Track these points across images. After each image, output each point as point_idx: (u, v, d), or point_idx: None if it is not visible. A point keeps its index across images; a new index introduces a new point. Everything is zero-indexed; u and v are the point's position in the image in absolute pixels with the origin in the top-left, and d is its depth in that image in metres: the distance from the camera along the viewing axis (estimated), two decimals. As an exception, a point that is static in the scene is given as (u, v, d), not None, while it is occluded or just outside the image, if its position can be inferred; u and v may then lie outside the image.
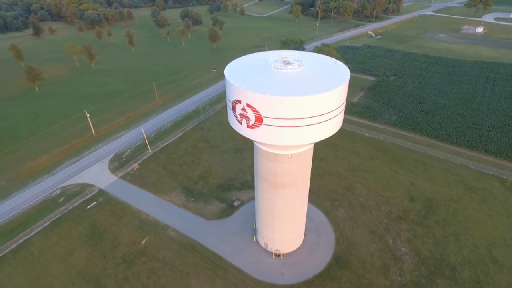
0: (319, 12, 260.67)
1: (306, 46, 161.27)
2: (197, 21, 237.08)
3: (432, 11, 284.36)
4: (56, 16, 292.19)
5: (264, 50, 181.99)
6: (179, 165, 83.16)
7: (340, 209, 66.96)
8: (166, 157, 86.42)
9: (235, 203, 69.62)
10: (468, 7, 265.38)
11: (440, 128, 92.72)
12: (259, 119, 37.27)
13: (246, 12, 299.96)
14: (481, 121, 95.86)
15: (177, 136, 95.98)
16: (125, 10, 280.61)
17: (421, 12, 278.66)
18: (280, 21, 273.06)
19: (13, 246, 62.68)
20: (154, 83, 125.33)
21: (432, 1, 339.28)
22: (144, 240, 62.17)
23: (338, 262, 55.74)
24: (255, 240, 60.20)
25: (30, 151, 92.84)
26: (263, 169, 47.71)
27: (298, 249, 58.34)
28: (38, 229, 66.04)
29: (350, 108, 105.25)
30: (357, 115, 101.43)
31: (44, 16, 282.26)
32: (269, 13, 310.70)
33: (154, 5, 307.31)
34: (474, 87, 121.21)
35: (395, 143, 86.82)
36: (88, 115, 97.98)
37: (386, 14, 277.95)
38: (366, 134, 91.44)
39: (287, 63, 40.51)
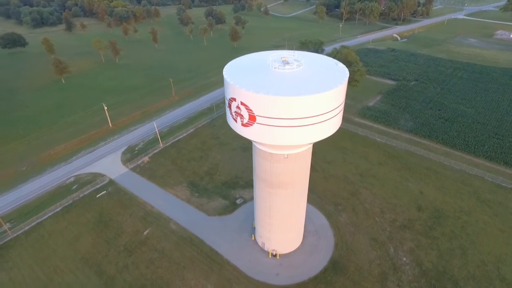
0: (344, 13, 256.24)
1: (326, 48, 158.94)
2: (220, 20, 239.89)
3: (464, 15, 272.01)
4: (89, 12, 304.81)
5: (284, 50, 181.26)
6: (188, 160, 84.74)
7: (343, 214, 65.81)
8: (176, 151, 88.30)
9: (238, 201, 70.10)
10: (504, 11, 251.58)
11: (458, 137, 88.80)
12: (252, 118, 37.47)
13: (270, 12, 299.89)
14: (504, 132, 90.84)
15: (188, 132, 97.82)
16: (153, 8, 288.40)
17: (452, 16, 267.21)
18: (304, 22, 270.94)
19: (27, 228, 66.40)
20: (171, 79, 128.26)
21: (466, 4, 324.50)
22: (146, 231, 63.98)
23: (334, 267, 54.87)
24: (253, 238, 60.39)
25: (51, 140, 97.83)
26: (259, 168, 47.88)
27: (295, 250, 57.96)
28: (50, 214, 69.58)
29: (365, 112, 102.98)
30: (371, 120, 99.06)
31: (77, 12, 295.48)
32: (293, 14, 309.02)
33: (180, 4, 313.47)
34: (501, 95, 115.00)
35: (408, 150, 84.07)
36: (106, 108, 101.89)
37: (415, 17, 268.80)
38: (378, 139, 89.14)
39: (285, 63, 40.44)
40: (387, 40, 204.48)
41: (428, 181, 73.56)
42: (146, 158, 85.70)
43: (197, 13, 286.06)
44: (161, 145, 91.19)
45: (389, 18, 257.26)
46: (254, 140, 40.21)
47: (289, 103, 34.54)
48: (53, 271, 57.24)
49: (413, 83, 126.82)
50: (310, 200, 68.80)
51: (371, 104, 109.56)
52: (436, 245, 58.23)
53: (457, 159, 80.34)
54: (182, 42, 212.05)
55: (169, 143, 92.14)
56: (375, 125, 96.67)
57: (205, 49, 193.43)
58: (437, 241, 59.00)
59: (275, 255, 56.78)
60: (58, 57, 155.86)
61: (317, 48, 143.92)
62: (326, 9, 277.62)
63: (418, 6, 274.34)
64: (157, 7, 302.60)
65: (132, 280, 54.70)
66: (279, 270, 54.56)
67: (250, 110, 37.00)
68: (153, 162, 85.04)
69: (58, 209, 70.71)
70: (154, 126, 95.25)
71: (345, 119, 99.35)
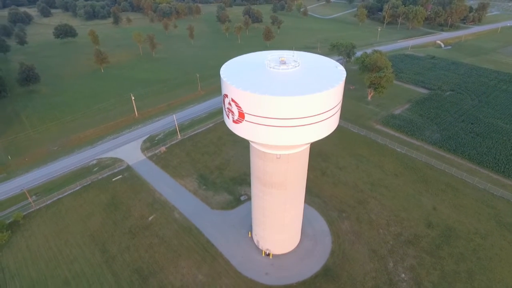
0: (386, 17, 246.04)
1: (359, 52, 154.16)
2: (257, 19, 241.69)
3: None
4: (136, 7, 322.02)
5: (316, 51, 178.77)
6: (202, 153, 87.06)
7: (345, 221, 64.02)
8: (192, 144, 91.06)
9: (242, 198, 70.88)
10: None
11: (488, 154, 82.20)
12: (241, 115, 37.99)
13: (309, 13, 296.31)
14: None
15: (207, 127, 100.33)
16: (194, 5, 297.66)
17: (508, 23, 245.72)
18: (342, 24, 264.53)
19: (48, 202, 72.50)
20: (198, 74, 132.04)
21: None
22: (151, 217, 66.97)
23: (326, 273, 53.72)
24: (250, 236, 60.86)
25: (82, 124, 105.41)
26: (254, 166, 48.26)
27: (289, 252, 57.55)
28: (70, 191, 75.29)
29: (388, 120, 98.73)
30: (393, 128, 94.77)
31: (125, 7, 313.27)
32: (333, 15, 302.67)
33: (221, 2, 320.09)
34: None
35: (428, 163, 79.44)
36: (133, 98, 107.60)
37: (464, 23, 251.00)
38: (398, 149, 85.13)
39: (282, 62, 40.41)
40: (429, 46, 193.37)
41: (444, 198, 69.09)
42: (163, 148, 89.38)
43: (237, 11, 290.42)
44: (179, 137, 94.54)
45: (434, 23, 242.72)
46: (244, 137, 40.61)
47: (274, 102, 34.54)
48: (64, 244, 62.05)
49: (448, 93, 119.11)
50: (314, 204, 68.14)
51: (397, 112, 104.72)
52: (440, 266, 54.74)
53: (482, 178, 74.47)
54: (217, 39, 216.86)
55: (187, 136, 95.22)
56: (397, 134, 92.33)
57: (238, 47, 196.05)
58: (442, 261, 55.43)
59: (268, 255, 56.81)
60: (100, 48, 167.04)
61: (348, 51, 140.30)
62: (368, 12, 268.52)
63: (470, 11, 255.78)
64: (199, 4, 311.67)
65: (130, 261, 57.70)
66: (269, 270, 54.55)
67: (240, 107, 37.53)
68: (169, 152, 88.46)
69: (77, 188, 76.28)
70: (174, 118, 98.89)
71: (365, 126, 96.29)
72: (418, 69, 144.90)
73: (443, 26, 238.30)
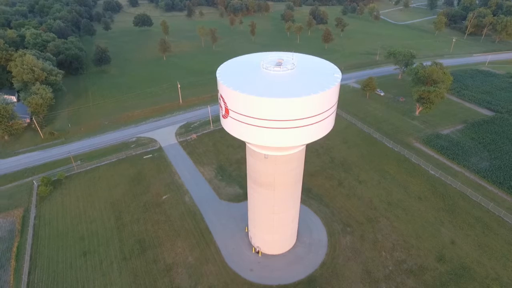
0: (469, 27, 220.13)
1: (426, 62, 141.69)
2: (322, 20, 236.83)
3: None
4: (211, 1, 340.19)
5: (375, 58, 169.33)
6: (227, 146, 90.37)
7: (348, 236, 61.29)
8: (220, 136, 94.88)
9: (251, 194, 72.21)
10: None
11: (543, 194, 70.26)
12: (227, 111, 39.55)
13: (382, 17, 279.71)
14: None
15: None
16: (264, 2, 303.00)
17: None
18: (416, 31, 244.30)
19: (88, 168, 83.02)
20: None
21: None
22: (165, 196, 72.42)
23: (309, 284, 52.56)
24: (246, 230, 62.15)
25: (133, 104, 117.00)
26: (247, 163, 49.36)
27: (280, 254, 57.48)
28: (106, 162, 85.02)
29: (430, 139, 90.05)
30: (434, 149, 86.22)
31: (201, 1, 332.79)
32: (409, 22, 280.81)
33: (291, 1, 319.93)
34: None
35: (462, 192, 70.99)
36: (179, 86, 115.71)
37: None
38: (431, 172, 77.56)
39: (278, 64, 40.73)
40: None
41: (469, 233, 61.42)
42: (194, 136, 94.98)
43: (305, 11, 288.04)
44: (211, 127, 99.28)
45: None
46: (229, 132, 41.79)
47: (251, 102, 35.33)
48: (89, 206, 70.89)
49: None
50: (320, 213, 66.65)
51: (444, 132, 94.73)
52: (438, 304, 49.52)
53: (526, 220, 64.20)
54: (277, 38, 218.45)
55: (218, 127, 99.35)
56: (436, 156, 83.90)
57: (296, 47, 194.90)
58: (442, 300, 50.03)
59: (258, 252, 57.53)
60: (168, 38, 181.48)
61: (406, 60, 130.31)
62: (449, 20, 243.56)
63: None
64: (269, 2, 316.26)
65: (137, 231, 63.61)
66: (255, 267, 55.35)
67: (225, 103, 39.14)
68: (199, 140, 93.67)
69: (113, 160, 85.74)
70: (208, 110, 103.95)
71: (402, 141, 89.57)
72: (489, 88, 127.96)
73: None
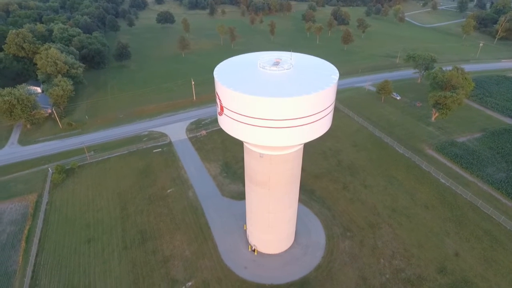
0: (499, 31, 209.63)
1: (447, 67, 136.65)
2: (343, 21, 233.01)
3: None
4: (234, 0, 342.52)
5: (395, 61, 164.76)
6: (235, 143, 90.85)
7: (347, 241, 60.37)
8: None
9: (254, 192, 72.48)
10: None
11: (562, 210, 66.16)
12: (222, 108, 40.03)
13: (407, 19, 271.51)
14: None
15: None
16: (286, 2, 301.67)
17: None
18: (442, 35, 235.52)
19: (100, 158, 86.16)
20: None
21: None
22: (170, 190, 74.04)
23: (303, 285, 52.26)
24: (244, 228, 62.54)
25: (148, 99, 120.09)
26: (244, 160, 49.65)
27: (275, 254, 57.48)
28: (118, 153, 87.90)
29: (445, 146, 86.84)
30: (447, 157, 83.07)
31: (224, 0, 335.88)
32: (436, 24, 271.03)
33: (314, 1, 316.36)
34: None
35: (473, 203, 68.06)
36: (193, 83, 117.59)
37: None
38: (442, 180, 74.83)
39: (275, 64, 40.79)
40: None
41: (476, 246, 58.91)
42: (203, 132, 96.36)
43: (327, 11, 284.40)
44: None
45: None
46: (223, 129, 42.19)
47: (242, 100, 35.59)
48: (97, 195, 73.62)
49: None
50: (321, 215, 66.13)
51: (461, 140, 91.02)
52: (434, 317, 47.92)
53: (541, 236, 60.76)
54: (297, 38, 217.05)
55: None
56: (449, 164, 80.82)
57: (314, 47, 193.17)
58: (439, 313, 48.38)
59: (254, 251, 57.79)
60: (189, 36, 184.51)
61: (427, 64, 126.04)
62: (479, 23, 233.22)
63: None
64: (292, 2, 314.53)
65: (139, 222, 65.48)
66: (249, 265, 55.67)
67: (220, 100, 39.65)
68: (208, 137, 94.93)
69: (124, 152, 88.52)
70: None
71: (414, 147, 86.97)
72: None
73: None
